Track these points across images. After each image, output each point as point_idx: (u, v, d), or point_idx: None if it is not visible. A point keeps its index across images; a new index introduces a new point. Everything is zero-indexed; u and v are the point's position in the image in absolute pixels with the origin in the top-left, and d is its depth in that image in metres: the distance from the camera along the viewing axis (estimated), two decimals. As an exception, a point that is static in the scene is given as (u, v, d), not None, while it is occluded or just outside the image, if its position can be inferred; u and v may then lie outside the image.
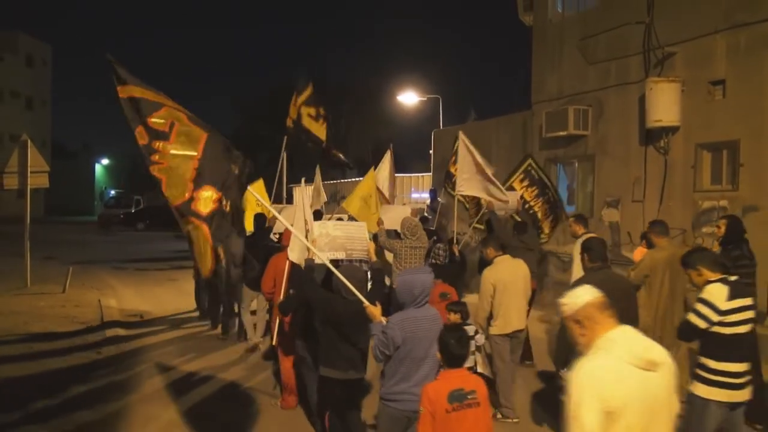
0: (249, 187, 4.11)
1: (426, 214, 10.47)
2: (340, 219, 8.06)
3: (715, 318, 3.71)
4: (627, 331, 2.31)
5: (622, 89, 10.72)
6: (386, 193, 9.70)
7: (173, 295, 11.71)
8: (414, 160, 35.65)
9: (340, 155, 9.75)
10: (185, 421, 5.39)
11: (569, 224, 6.85)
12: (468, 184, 7.56)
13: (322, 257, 4.39)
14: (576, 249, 6.16)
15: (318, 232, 5.09)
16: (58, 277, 12.76)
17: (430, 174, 16.98)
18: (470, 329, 5.04)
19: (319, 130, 9.58)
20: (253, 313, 7.97)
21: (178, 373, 6.88)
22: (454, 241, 7.45)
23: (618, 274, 4.96)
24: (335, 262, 4.68)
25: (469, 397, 3.01)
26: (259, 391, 6.20)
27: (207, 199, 3.56)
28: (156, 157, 3.48)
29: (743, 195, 8.77)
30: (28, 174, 11.86)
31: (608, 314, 2.34)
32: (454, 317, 4.48)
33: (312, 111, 9.56)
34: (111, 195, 47.64)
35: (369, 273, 5.10)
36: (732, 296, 3.71)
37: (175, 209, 3.53)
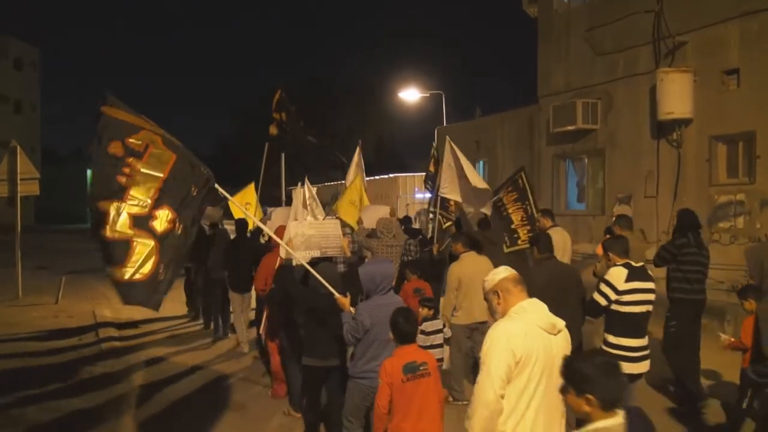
0: (233, 198, 4.35)
1: (412, 215, 10.62)
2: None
3: (613, 297, 4.43)
4: (535, 302, 2.87)
5: (631, 81, 10.72)
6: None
7: (170, 303, 11.51)
8: (417, 159, 35.74)
9: (309, 137, 9.77)
10: (179, 413, 5.94)
11: (537, 218, 7.52)
12: (450, 187, 8.16)
13: (298, 257, 5.03)
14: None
15: (294, 231, 5.62)
16: (50, 287, 12.79)
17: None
18: (438, 323, 5.72)
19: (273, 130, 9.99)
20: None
21: (173, 373, 7.25)
22: (435, 240, 7.93)
23: (564, 264, 5.61)
24: (313, 260, 5.30)
25: (421, 368, 3.55)
26: (249, 381, 6.81)
27: (163, 218, 4.05)
28: (126, 170, 3.98)
29: (761, 188, 8.75)
30: (18, 181, 11.90)
31: (520, 288, 2.90)
32: (426, 312, 4.79)
33: (277, 116, 10.09)
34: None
35: (344, 267, 5.96)
36: (629, 279, 4.41)
37: (132, 217, 3.96)
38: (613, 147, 11.15)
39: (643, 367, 4.47)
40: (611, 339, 4.49)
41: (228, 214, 10.16)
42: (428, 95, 22.24)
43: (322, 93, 41.59)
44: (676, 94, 9.46)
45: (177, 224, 4.06)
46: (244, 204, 9.92)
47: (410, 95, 22.61)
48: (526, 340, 2.70)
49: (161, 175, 4.05)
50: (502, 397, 2.65)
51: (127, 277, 4.04)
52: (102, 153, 3.96)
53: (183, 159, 4.13)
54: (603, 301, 4.48)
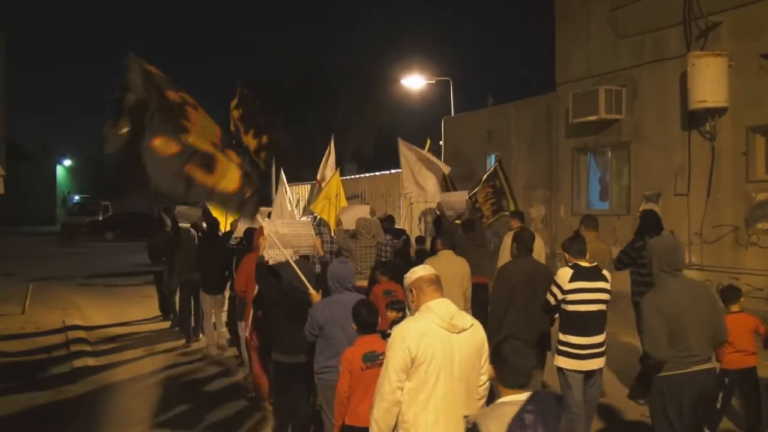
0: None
1: (417, 215, 11.11)
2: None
3: (560, 296, 5.09)
4: (443, 301, 3.36)
5: (659, 66, 10.73)
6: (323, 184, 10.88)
7: (146, 314, 11.82)
8: (422, 153, 35.71)
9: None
10: (158, 418, 6.47)
11: (508, 218, 8.09)
12: (415, 189, 9.19)
13: (286, 254, 5.61)
14: (507, 239, 7.53)
15: (267, 230, 6.18)
16: (16, 295, 12.83)
17: (441, 168, 16.97)
18: None
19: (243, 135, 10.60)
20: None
21: (148, 379, 7.87)
22: (412, 242, 8.53)
23: (538, 262, 6.13)
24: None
25: (380, 357, 3.89)
26: (229, 384, 7.56)
27: (233, 155, 4.77)
28: (187, 115, 4.55)
29: (803, 185, 8.76)
30: (-21, 179, 11.93)
31: (434, 288, 3.41)
32: (394, 315, 5.04)
33: (236, 114, 10.58)
34: (75, 201, 47.84)
35: (319, 267, 6.65)
36: (574, 279, 5.05)
37: (210, 143, 4.57)
38: (640, 139, 11.17)
39: (593, 364, 5.10)
40: (561, 337, 5.18)
41: (208, 213, 10.51)
42: (434, 82, 22.24)
43: (313, 76, 41.54)
44: (710, 81, 9.48)
45: (244, 166, 4.74)
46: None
47: (414, 82, 22.60)
48: (423, 339, 3.23)
49: (217, 131, 4.76)
50: (400, 390, 3.25)
51: (212, 184, 4.60)
52: (161, 99, 4.46)
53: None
54: (552, 300, 5.19)
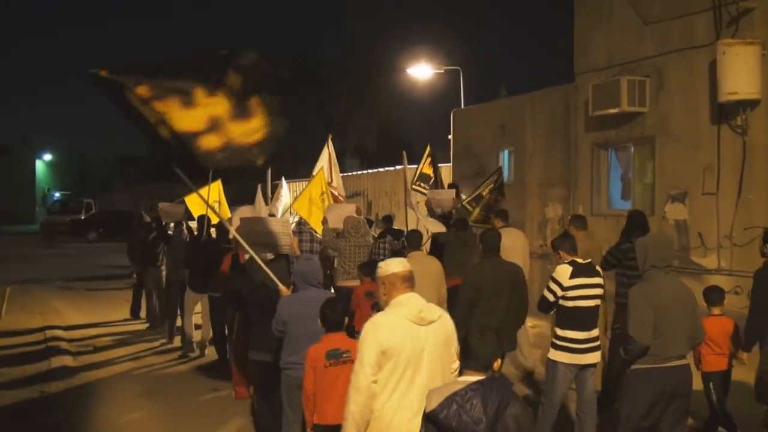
0: (199, 191, 6.04)
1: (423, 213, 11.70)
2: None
3: (560, 292, 5.59)
4: (411, 296, 3.80)
5: (687, 55, 10.68)
6: (336, 191, 11.73)
7: (116, 311, 12.24)
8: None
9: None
10: (139, 419, 7.08)
11: (491, 217, 8.64)
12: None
13: (249, 250, 6.08)
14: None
15: (243, 229, 6.67)
16: (-8, 299, 12.85)
17: (450, 165, 16.98)
18: None
19: None
20: (198, 326, 9.66)
21: (131, 381, 8.51)
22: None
23: (508, 262, 6.50)
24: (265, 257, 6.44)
25: (344, 355, 4.44)
26: (211, 383, 8.17)
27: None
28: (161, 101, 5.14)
29: (842, 183, 8.72)
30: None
31: (407, 285, 3.84)
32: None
33: None
34: (56, 198, 47.89)
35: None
36: (574, 275, 5.57)
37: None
38: (665, 134, 11.13)
39: (591, 358, 5.68)
40: (558, 332, 5.66)
41: (190, 213, 11.14)
42: (443, 72, 22.24)
43: (310, 65, 41.52)
44: (741, 71, 9.42)
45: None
46: (213, 202, 11.19)
47: (421, 71, 22.60)
48: (393, 332, 3.65)
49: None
50: (375, 382, 3.62)
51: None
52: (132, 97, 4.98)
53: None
54: (551, 297, 5.66)
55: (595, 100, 11.66)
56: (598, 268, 5.82)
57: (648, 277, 4.78)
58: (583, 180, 12.75)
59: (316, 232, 10.31)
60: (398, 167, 20.67)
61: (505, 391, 3.14)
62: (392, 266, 3.89)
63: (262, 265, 5.83)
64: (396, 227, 11.42)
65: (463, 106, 19.15)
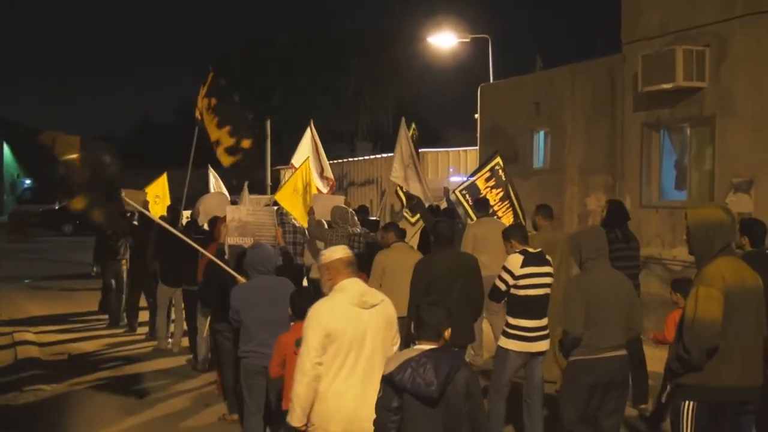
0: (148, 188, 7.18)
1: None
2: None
3: (511, 281, 6.41)
4: (353, 281, 4.44)
5: (755, 21, 10.57)
6: (320, 184, 12.52)
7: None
8: (452, 128, 35.60)
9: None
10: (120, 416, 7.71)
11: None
12: (400, 173, 10.80)
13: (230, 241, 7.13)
14: (467, 230, 9.51)
15: (230, 217, 7.53)
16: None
17: (476, 148, 16.93)
18: None
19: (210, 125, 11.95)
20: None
21: (107, 376, 9.34)
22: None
23: (462, 253, 7.36)
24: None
25: None
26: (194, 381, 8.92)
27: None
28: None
29: None
30: None
31: (350, 271, 4.47)
32: None
33: (206, 103, 11.79)
34: (26, 186, 48.34)
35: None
36: (525, 264, 6.37)
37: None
38: (728, 113, 11.03)
39: (541, 346, 6.48)
40: (510, 320, 6.46)
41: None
42: (469, 41, 22.14)
43: (317, 35, 41.48)
44: (818, 39, 9.31)
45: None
46: (154, 197, 12.84)
47: (444, 40, 22.50)
48: (335, 316, 4.28)
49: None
50: (320, 365, 4.25)
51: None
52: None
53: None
54: (503, 287, 6.47)
55: (646, 73, 11.56)
56: (548, 257, 6.62)
57: (584, 269, 5.44)
58: (631, 166, 12.67)
59: (299, 223, 11.05)
60: (419, 150, 20.67)
61: (456, 358, 3.96)
62: (336, 253, 4.53)
63: (215, 259, 6.85)
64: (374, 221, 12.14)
65: (491, 81, 19.06)
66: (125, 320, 12.18)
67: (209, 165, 13.86)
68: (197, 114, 11.78)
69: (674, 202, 12.01)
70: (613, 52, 13.33)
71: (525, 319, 6.39)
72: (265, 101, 42.04)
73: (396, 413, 3.86)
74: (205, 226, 9.98)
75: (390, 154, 21.83)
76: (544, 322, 6.51)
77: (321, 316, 4.29)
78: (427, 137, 39.21)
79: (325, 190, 12.78)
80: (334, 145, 40.64)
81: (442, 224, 7.25)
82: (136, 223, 12.08)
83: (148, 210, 10.94)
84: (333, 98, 43.39)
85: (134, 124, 59.94)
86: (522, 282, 6.38)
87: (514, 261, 6.41)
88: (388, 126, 39.75)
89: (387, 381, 3.89)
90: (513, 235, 6.73)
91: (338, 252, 4.53)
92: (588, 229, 6.13)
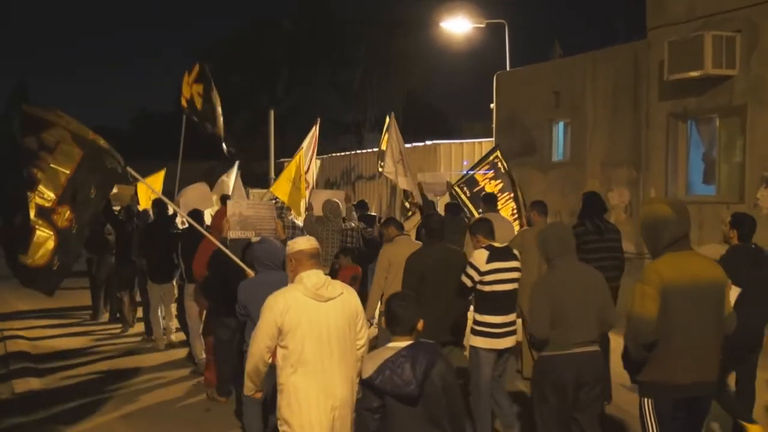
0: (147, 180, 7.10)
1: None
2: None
3: (477, 277, 6.56)
4: (314, 273, 4.72)
5: (788, 4, 10.53)
6: (311, 179, 12.69)
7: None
8: (466, 119, 35.58)
9: (224, 145, 13.05)
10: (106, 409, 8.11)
11: (527, 213, 9.40)
12: (392, 169, 11.12)
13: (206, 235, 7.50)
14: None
15: (231, 211, 7.95)
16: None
17: (492, 140, 16.92)
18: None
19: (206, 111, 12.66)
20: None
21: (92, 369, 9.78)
22: (378, 222, 10.22)
23: (452, 248, 7.47)
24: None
25: None
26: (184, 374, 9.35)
27: (63, 215, 6.26)
28: (38, 163, 6.18)
29: None
30: None
31: (313, 262, 4.77)
32: None
33: (200, 89, 12.51)
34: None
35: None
36: (490, 260, 6.53)
37: (38, 207, 6.16)
38: (759, 102, 11.01)
39: (508, 342, 6.70)
40: (477, 317, 6.66)
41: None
42: (484, 26, 22.12)
43: (324, 20, 41.46)
44: None
45: (74, 223, 6.31)
46: (150, 193, 12.84)
47: (458, 26, 22.50)
48: (288, 310, 4.56)
49: (68, 171, 6.28)
50: (268, 351, 4.65)
51: (27, 262, 6.15)
52: (19, 145, 6.13)
53: (90, 157, 6.43)
54: (469, 283, 6.62)
55: (672, 60, 11.55)
56: (515, 251, 6.85)
57: (551, 267, 5.61)
58: (656, 159, 12.66)
59: (297, 220, 11.38)
60: (428, 142, 20.68)
61: (431, 353, 4.16)
62: (299, 244, 4.86)
63: (226, 251, 7.05)
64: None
65: (508, 69, 19.04)
66: (107, 315, 12.91)
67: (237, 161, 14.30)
68: (183, 102, 12.49)
69: (702, 197, 11.98)
70: (638, 38, 13.34)
71: (492, 315, 6.59)
72: (269, 91, 42.13)
73: (377, 412, 4.13)
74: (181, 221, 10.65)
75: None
76: (511, 317, 6.72)
77: (274, 308, 4.59)
78: (440, 129, 39.34)
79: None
80: (341, 136, 40.69)
81: (433, 218, 7.53)
82: (121, 218, 12.46)
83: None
84: (339, 87, 43.37)
85: (133, 116, 60.26)
86: (488, 278, 6.54)
87: (480, 256, 6.57)
88: (398, 117, 39.68)
89: (366, 384, 4.12)
90: (479, 230, 6.93)
91: (301, 243, 4.85)
92: (552, 226, 6.29)
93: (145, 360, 10.11)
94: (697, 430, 4.92)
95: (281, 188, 11.90)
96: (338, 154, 26.55)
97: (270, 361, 5.01)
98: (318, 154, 13.70)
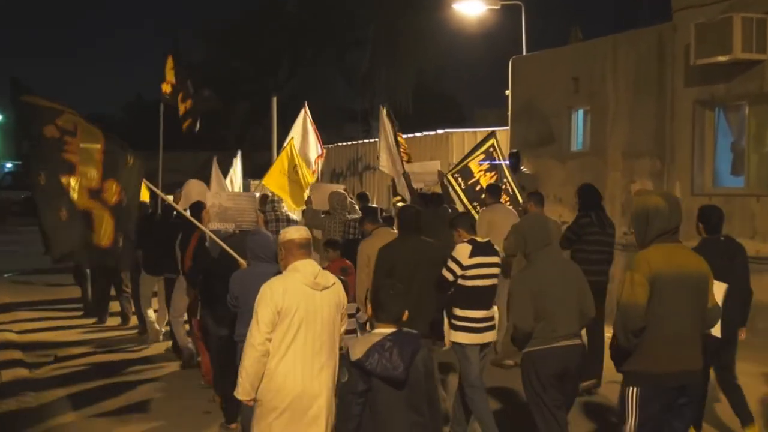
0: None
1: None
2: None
3: (459, 272, 6.87)
4: (308, 262, 5.19)
5: (823, -16, 10.48)
6: (312, 166, 13.21)
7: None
8: (480, 105, 35.51)
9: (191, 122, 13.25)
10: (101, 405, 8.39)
11: (523, 204, 10.07)
12: (387, 162, 11.65)
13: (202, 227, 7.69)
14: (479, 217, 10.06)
15: (211, 202, 8.50)
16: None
17: (507, 128, 16.90)
18: (351, 306, 7.65)
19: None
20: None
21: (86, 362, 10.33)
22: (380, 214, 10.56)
23: (428, 241, 7.57)
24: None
25: None
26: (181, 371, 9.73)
27: (111, 191, 6.58)
28: (68, 148, 6.40)
29: None
30: None
31: (303, 252, 5.23)
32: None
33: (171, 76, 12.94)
34: (7, 170, 48.74)
35: None
36: (473, 254, 6.84)
37: (88, 190, 6.46)
38: (791, 89, 10.95)
39: (488, 336, 7.06)
40: (457, 312, 6.98)
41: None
42: (499, 8, 22.05)
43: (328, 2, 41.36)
44: None
45: (123, 196, 6.59)
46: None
47: (471, 8, 22.43)
48: (286, 295, 4.97)
49: (98, 146, 6.56)
50: (269, 341, 4.94)
51: (102, 243, 6.49)
52: (39, 138, 6.34)
53: (108, 134, 6.69)
54: (450, 277, 6.92)
55: (699, 44, 11.50)
56: (496, 247, 7.19)
57: (530, 261, 5.91)
58: (682, 149, 12.62)
59: (292, 215, 11.66)
60: (440, 131, 20.66)
61: (415, 341, 4.59)
62: (291, 233, 5.32)
63: (218, 241, 7.24)
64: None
65: (525, 53, 18.99)
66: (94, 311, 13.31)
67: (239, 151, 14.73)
68: (165, 89, 12.88)
69: (730, 189, 11.95)
70: (662, 20, 13.28)
71: (473, 309, 6.91)
72: (271, 74, 42.14)
73: (362, 396, 4.47)
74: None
75: (408, 135, 21.88)
76: (491, 312, 7.08)
77: (273, 294, 4.97)
78: (452, 116, 39.23)
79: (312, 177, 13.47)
80: (347, 125, 40.63)
81: (407, 211, 7.82)
82: None
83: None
84: (345, 73, 43.31)
85: (127, 103, 60.21)
86: (470, 272, 6.84)
87: (462, 251, 6.86)
88: (407, 104, 39.59)
89: (356, 366, 4.44)
90: (460, 223, 7.21)
91: (292, 233, 5.32)
92: (529, 218, 6.65)
93: (139, 353, 10.70)
94: (682, 419, 5.15)
95: (274, 181, 12.15)
96: (344, 143, 26.52)
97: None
98: (323, 143, 13.87)
